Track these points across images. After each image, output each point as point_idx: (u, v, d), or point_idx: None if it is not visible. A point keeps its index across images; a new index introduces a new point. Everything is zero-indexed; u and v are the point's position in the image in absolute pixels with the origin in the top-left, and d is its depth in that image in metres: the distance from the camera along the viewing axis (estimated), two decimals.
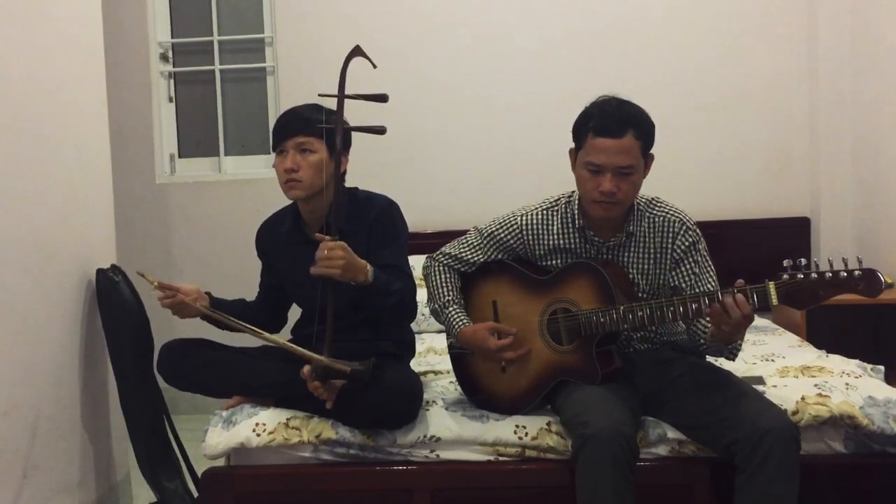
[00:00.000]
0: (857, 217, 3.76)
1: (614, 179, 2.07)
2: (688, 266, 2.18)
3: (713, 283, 2.17)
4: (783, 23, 3.87)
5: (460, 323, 2.24)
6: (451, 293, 2.30)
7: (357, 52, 2.10)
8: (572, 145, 2.19)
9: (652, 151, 2.14)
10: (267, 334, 2.19)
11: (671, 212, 2.22)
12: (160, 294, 2.25)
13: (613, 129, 2.06)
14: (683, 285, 2.18)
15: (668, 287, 2.21)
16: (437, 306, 2.31)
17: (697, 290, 2.14)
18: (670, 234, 2.19)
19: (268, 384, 2.28)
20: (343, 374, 2.06)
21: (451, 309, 2.28)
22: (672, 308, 2.01)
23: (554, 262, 2.25)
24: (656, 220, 2.21)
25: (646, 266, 2.21)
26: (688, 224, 2.20)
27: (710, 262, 2.22)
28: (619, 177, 2.07)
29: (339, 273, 2.04)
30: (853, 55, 3.73)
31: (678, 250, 2.19)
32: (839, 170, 3.79)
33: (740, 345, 2.13)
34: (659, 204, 2.24)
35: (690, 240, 2.19)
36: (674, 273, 2.20)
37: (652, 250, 2.20)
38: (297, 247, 2.35)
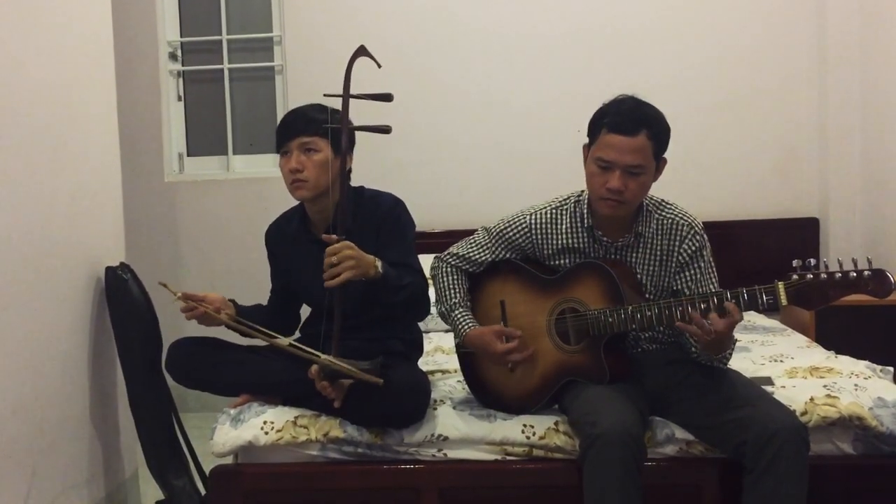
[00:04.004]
0: (866, 217, 3.75)
1: (623, 177, 2.07)
2: (691, 271, 2.18)
3: (714, 289, 2.16)
4: (792, 23, 3.85)
5: (467, 326, 2.24)
6: (457, 296, 2.30)
7: (361, 51, 2.10)
8: (584, 142, 2.18)
9: (664, 155, 2.14)
10: (297, 346, 2.15)
11: (679, 214, 2.21)
12: (183, 305, 2.24)
13: (628, 126, 2.05)
14: (686, 290, 2.17)
15: (670, 290, 2.20)
16: (444, 309, 2.31)
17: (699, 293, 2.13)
18: (678, 238, 2.19)
19: (276, 383, 2.29)
20: (351, 374, 2.07)
21: (457, 312, 2.27)
22: (680, 308, 2.01)
23: (562, 261, 2.25)
24: (664, 221, 2.20)
25: (653, 267, 2.20)
26: (696, 228, 2.19)
27: (713, 267, 2.22)
28: (627, 175, 2.07)
29: (354, 273, 2.03)
30: (862, 55, 3.71)
31: (684, 254, 2.18)
32: (848, 170, 3.78)
33: (730, 353, 2.13)
34: (668, 206, 2.23)
35: (697, 244, 2.18)
36: (677, 277, 2.19)
37: (659, 252, 2.20)
38: (305, 246, 2.35)
